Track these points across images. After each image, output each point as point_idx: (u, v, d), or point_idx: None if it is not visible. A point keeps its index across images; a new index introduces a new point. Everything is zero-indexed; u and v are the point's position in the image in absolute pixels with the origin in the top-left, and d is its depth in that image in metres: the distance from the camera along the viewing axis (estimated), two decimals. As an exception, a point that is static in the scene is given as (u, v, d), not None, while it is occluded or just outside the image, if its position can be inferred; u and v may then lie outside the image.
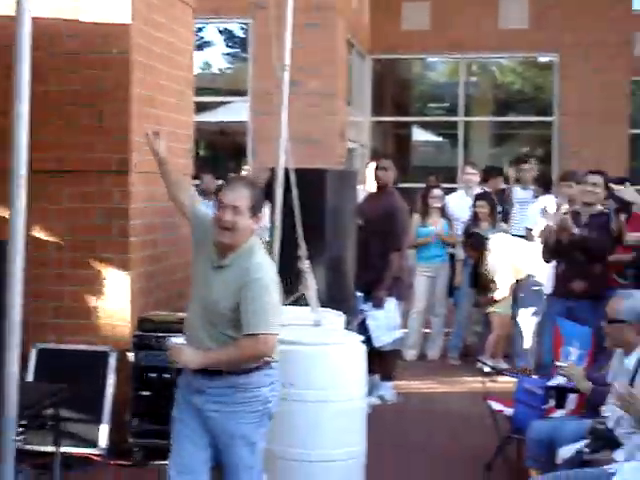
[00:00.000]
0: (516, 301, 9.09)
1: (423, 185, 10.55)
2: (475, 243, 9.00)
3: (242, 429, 4.06)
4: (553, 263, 7.38)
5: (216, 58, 15.28)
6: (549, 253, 7.34)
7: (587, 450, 4.68)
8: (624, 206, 7.40)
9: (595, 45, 14.38)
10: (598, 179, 7.21)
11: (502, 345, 9.21)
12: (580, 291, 6.95)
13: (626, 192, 7.02)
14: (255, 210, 4.04)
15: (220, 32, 14.88)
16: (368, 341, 7.24)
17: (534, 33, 14.75)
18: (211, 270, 4.06)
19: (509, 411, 6.09)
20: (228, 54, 15.45)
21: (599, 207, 7.25)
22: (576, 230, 7.03)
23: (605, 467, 4.41)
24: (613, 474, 4.27)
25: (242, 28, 13.73)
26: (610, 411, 4.82)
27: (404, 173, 15.75)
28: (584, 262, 7.06)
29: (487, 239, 8.92)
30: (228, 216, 3.96)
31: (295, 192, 5.72)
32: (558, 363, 5.62)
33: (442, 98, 17.46)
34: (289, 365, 5.14)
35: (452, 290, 9.77)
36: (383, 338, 7.63)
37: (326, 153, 11.44)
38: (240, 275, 3.97)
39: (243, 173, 12.07)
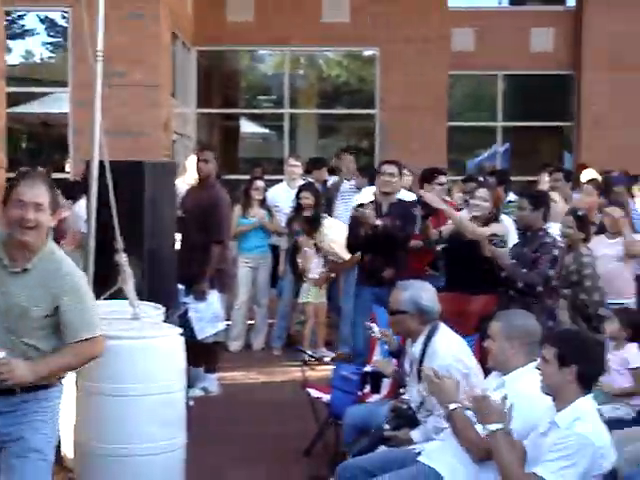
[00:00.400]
0: (340, 287, 9.31)
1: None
2: (312, 219, 9.11)
3: (39, 442, 3.92)
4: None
5: (37, 47, 14.83)
6: (354, 244, 7.54)
7: (388, 427, 4.85)
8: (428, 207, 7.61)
9: (414, 40, 14.74)
10: (394, 169, 7.50)
11: (322, 333, 9.39)
12: (390, 278, 7.17)
13: (428, 196, 7.22)
14: (54, 206, 3.90)
15: (41, 20, 14.44)
16: (191, 334, 7.31)
17: (355, 27, 14.99)
18: (7, 276, 3.84)
19: (327, 398, 6.25)
20: (50, 43, 15.02)
21: (401, 195, 7.53)
22: (378, 222, 7.25)
23: (410, 448, 4.61)
24: (419, 454, 4.46)
25: (63, 16, 13.37)
26: (410, 394, 5.02)
27: (232, 165, 15.79)
28: (390, 250, 7.32)
29: (323, 218, 9.08)
30: (31, 214, 3.78)
31: (110, 184, 5.65)
32: (374, 327, 5.77)
33: (269, 90, 17.53)
34: (108, 360, 5.10)
35: (276, 280, 9.89)
36: (206, 330, 7.65)
37: (150, 145, 11.30)
38: (49, 278, 3.84)
39: (67, 166, 11.80)
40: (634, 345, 5.75)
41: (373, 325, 5.78)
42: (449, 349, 4.81)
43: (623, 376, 5.78)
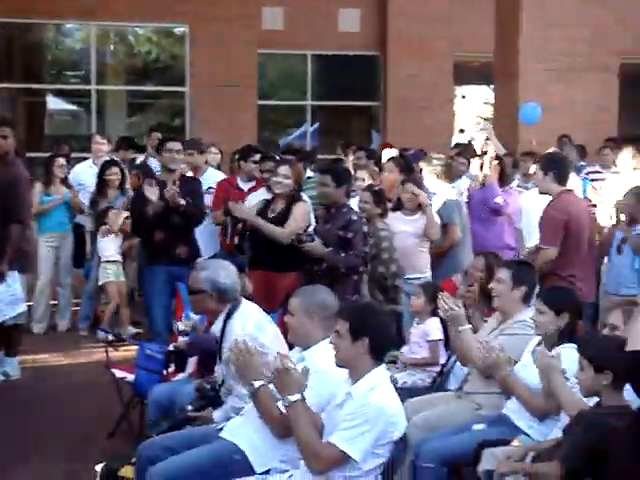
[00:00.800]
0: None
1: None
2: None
3: None
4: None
5: None
6: (145, 224, 7.41)
7: (191, 408, 4.86)
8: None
9: (224, 17, 14.66)
10: (178, 146, 7.52)
11: (126, 312, 9.29)
12: (186, 256, 7.16)
13: (237, 210, 7.14)
14: None
15: None
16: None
17: (164, 2, 14.76)
18: None
19: (131, 377, 6.19)
20: None
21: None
22: (182, 202, 7.21)
23: (213, 425, 4.62)
24: (221, 430, 4.48)
25: None
26: (217, 373, 5.03)
27: (37, 142, 15.23)
28: (183, 227, 7.34)
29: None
30: None
31: None
32: (179, 324, 5.78)
33: (76, 66, 16.98)
34: None
35: (83, 261, 9.68)
36: (5, 313, 7.41)
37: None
38: None
39: None
40: (436, 319, 5.97)
41: (177, 322, 5.78)
42: (244, 328, 4.76)
43: (422, 348, 6.02)
